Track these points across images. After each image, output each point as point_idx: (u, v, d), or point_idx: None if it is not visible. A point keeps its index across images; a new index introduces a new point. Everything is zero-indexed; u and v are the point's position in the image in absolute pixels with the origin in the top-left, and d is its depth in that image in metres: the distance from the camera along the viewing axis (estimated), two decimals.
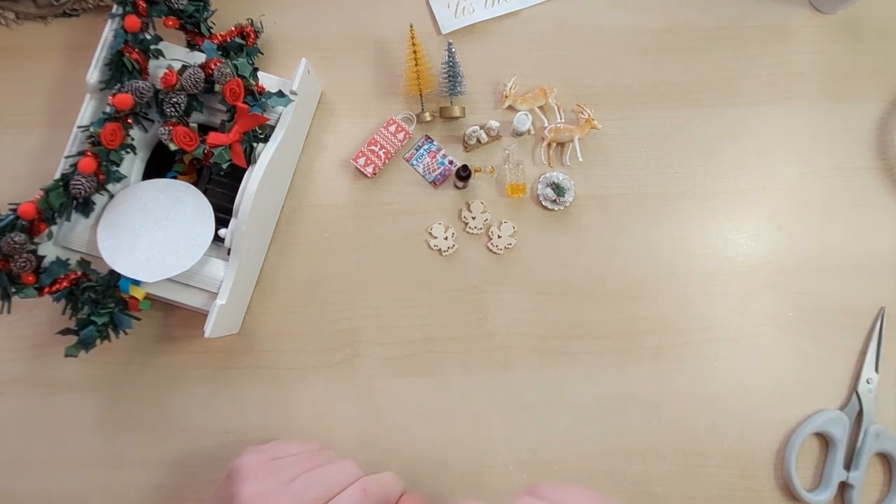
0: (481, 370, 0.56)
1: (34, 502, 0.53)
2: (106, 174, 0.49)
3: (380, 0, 0.62)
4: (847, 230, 0.59)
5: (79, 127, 0.50)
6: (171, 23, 0.52)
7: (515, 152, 0.59)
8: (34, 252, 0.47)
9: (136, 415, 0.54)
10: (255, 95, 0.52)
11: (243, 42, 0.55)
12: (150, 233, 0.50)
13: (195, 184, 0.53)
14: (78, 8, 0.60)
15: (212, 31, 0.54)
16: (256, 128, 0.51)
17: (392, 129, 0.58)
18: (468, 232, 0.58)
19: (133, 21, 0.49)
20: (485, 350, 0.56)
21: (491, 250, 0.58)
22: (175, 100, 0.50)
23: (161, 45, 0.52)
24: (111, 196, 0.51)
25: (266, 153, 0.51)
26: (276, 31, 0.61)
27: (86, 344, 0.48)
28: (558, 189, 0.57)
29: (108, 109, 0.49)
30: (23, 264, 0.46)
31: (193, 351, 0.55)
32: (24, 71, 0.60)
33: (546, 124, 0.59)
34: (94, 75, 0.50)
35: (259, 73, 0.53)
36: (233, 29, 0.55)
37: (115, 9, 0.51)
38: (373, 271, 0.57)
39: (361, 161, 0.58)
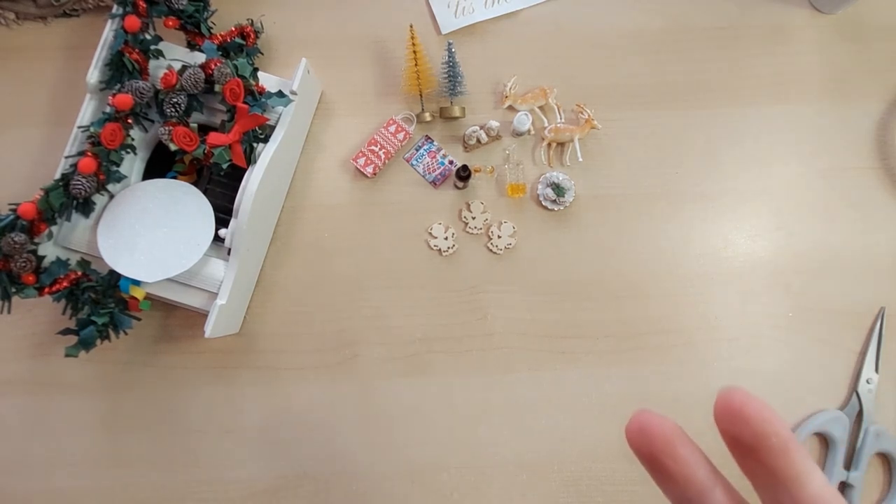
0: (481, 370, 0.56)
1: (34, 502, 0.53)
2: (106, 174, 0.49)
3: (380, 0, 0.62)
4: (847, 230, 0.59)
5: (79, 127, 0.50)
6: (171, 23, 0.52)
7: (515, 152, 0.59)
8: (34, 252, 0.47)
9: (136, 415, 0.54)
10: (255, 95, 0.52)
11: (243, 42, 0.55)
12: (150, 233, 0.50)
13: (195, 184, 0.53)
14: (78, 8, 0.60)
15: (212, 31, 0.54)
16: (256, 128, 0.51)
17: (392, 129, 0.58)
18: (468, 232, 0.58)
19: (133, 21, 0.49)
20: (485, 350, 0.56)
21: (491, 250, 0.58)
22: (175, 100, 0.50)
23: (161, 45, 0.52)
24: (111, 196, 0.51)
25: (266, 153, 0.51)
26: (276, 31, 0.61)
27: (86, 344, 0.48)
28: (558, 189, 0.57)
29: (108, 109, 0.50)
30: (23, 264, 0.46)
31: (193, 351, 0.55)
32: (24, 71, 0.60)
33: (546, 124, 0.59)
34: (94, 75, 0.50)
35: (259, 73, 0.53)
36: (233, 29, 0.55)
37: (115, 9, 0.51)
38: (373, 271, 0.57)
39: (361, 161, 0.58)
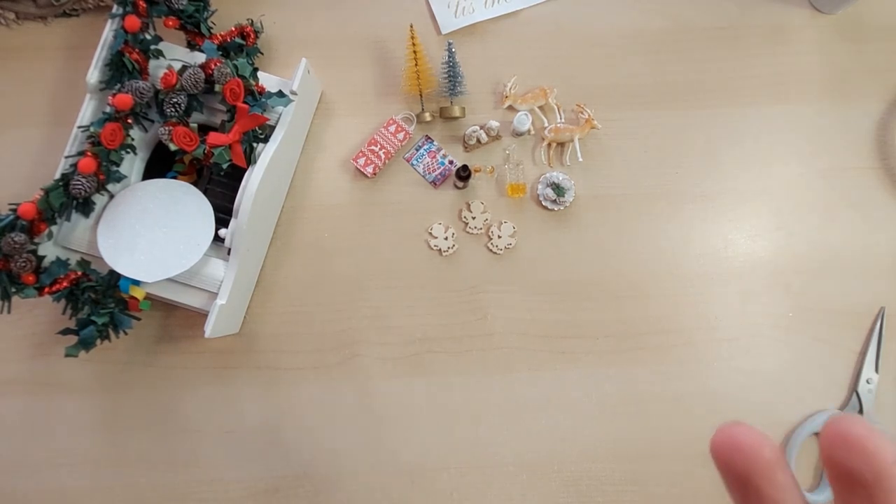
0: (481, 370, 0.56)
1: (34, 502, 0.53)
2: (106, 174, 0.49)
3: (380, 0, 0.62)
4: (847, 230, 0.59)
5: (79, 127, 0.50)
6: (171, 23, 0.52)
7: (515, 152, 0.59)
8: (34, 252, 0.47)
9: (136, 415, 0.54)
10: (255, 95, 0.52)
11: (243, 42, 0.55)
12: (150, 233, 0.50)
13: (195, 184, 0.53)
14: (78, 8, 0.60)
15: (212, 31, 0.54)
16: (256, 128, 0.51)
17: (392, 129, 0.58)
18: (468, 232, 0.58)
19: (133, 21, 0.49)
20: (485, 350, 0.56)
21: (491, 250, 0.58)
22: (175, 100, 0.50)
23: (161, 45, 0.52)
24: (111, 196, 0.51)
25: (266, 153, 0.51)
26: (276, 31, 0.61)
27: (86, 344, 0.48)
28: (558, 189, 0.57)
29: (108, 109, 0.50)
30: (23, 264, 0.46)
31: (193, 351, 0.55)
32: (24, 71, 0.60)
33: (546, 124, 0.59)
34: (94, 75, 0.50)
35: (259, 73, 0.53)
36: (233, 29, 0.55)
37: (115, 9, 0.51)
38: (373, 271, 0.57)
39: (361, 161, 0.58)
